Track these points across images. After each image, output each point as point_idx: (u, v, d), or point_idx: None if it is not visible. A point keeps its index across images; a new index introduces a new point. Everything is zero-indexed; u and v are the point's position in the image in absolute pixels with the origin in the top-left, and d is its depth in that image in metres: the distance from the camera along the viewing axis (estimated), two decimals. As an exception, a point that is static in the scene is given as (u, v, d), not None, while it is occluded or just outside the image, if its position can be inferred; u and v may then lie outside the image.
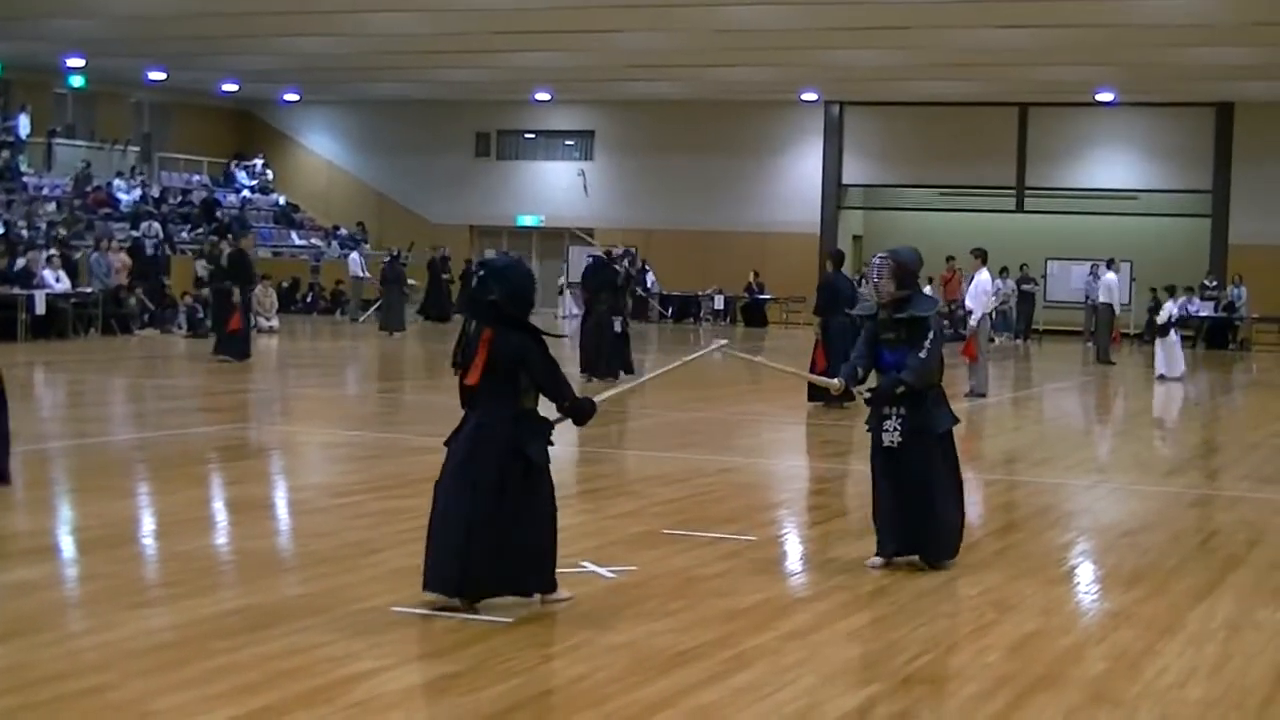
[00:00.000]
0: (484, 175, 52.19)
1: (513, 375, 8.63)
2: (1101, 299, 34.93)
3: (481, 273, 8.81)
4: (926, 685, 7.50)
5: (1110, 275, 35.13)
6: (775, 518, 12.85)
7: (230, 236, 35.98)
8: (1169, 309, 29.46)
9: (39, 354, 28.06)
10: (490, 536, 8.46)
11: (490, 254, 43.30)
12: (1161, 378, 28.56)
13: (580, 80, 45.71)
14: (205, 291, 36.43)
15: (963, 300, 25.00)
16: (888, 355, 10.17)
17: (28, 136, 43.69)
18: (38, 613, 8.49)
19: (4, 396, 12.42)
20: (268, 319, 35.67)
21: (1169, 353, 28.92)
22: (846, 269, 24.23)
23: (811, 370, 20.27)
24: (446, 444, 8.85)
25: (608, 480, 14.58)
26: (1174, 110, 44.95)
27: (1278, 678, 7.81)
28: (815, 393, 21.33)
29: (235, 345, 26.45)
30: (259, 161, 52.51)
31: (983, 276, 24.23)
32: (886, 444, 10.07)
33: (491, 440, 8.60)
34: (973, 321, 23.95)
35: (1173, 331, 29.12)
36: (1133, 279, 41.87)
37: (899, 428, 10.01)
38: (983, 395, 23.34)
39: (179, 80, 47.47)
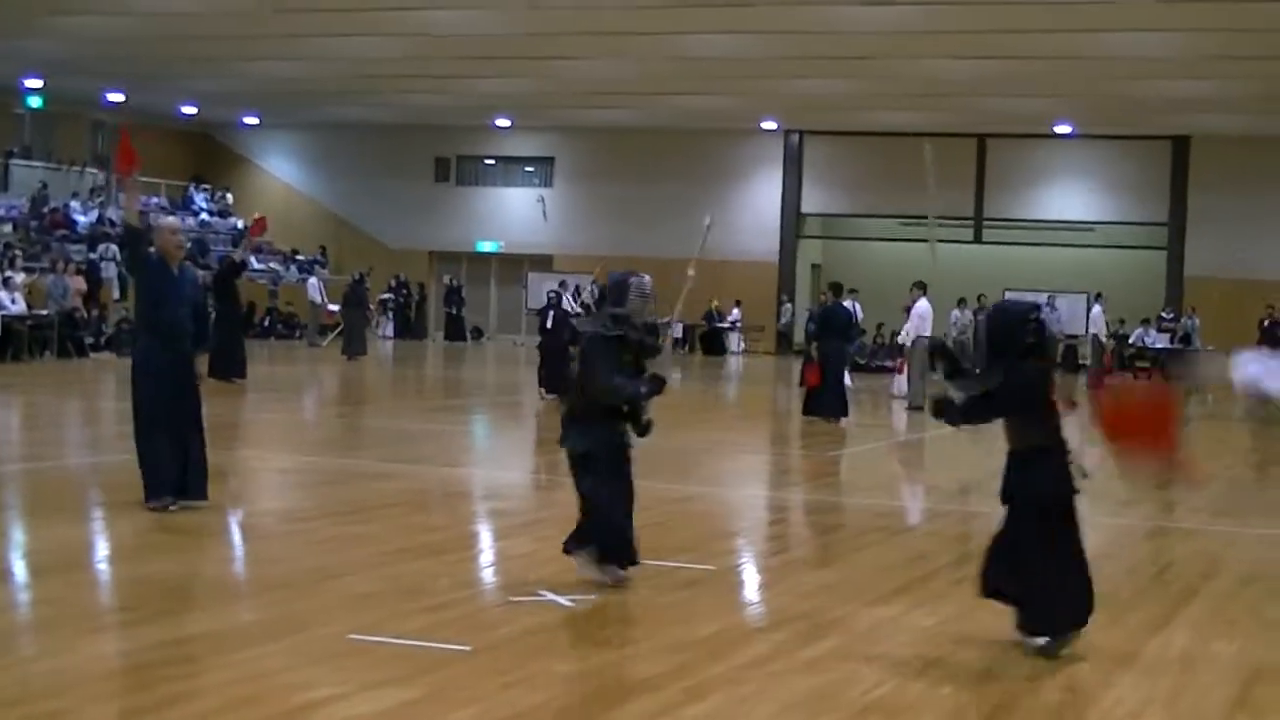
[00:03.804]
0: (444, 201, 52.19)
1: (585, 372, 10.16)
2: (1093, 330, 36.65)
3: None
4: (883, 716, 7.50)
5: (1096, 309, 37.71)
6: (734, 547, 12.85)
7: (190, 261, 35.92)
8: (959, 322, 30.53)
9: (3, 375, 27.90)
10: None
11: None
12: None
13: (541, 107, 45.81)
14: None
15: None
16: None
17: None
18: (-9, 637, 8.43)
19: (200, 421, 12.86)
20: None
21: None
22: (805, 299, 26.67)
23: (803, 387, 24.33)
24: None
25: (565, 508, 14.51)
26: (1131, 143, 45.28)
27: (1232, 710, 7.84)
28: (809, 407, 23.89)
29: (239, 367, 27.36)
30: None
31: (921, 305, 27.07)
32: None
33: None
34: (906, 340, 27.33)
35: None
36: (1089, 310, 42.07)
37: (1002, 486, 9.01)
38: (919, 409, 25.69)
39: (138, 102, 47.35)
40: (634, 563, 10.31)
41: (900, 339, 27.86)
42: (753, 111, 44.55)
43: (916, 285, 27.70)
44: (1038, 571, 8.79)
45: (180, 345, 12.76)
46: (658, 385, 10.18)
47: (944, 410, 9.08)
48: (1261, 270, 43.36)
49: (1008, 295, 43.63)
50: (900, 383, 30.02)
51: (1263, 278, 43.00)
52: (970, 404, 8.97)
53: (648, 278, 10.52)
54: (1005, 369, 8.80)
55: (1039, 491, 8.81)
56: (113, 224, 44.96)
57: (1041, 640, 8.81)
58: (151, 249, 13.12)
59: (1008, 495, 8.93)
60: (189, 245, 45.19)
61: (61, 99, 46.14)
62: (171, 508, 12.49)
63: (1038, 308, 9.16)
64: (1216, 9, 28.66)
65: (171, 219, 13.89)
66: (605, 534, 10.18)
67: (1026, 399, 8.82)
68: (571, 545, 10.32)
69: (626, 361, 10.18)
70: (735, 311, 47.70)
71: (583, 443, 10.15)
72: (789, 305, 47.70)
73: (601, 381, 10.06)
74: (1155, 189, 45.29)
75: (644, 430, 10.27)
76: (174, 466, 12.64)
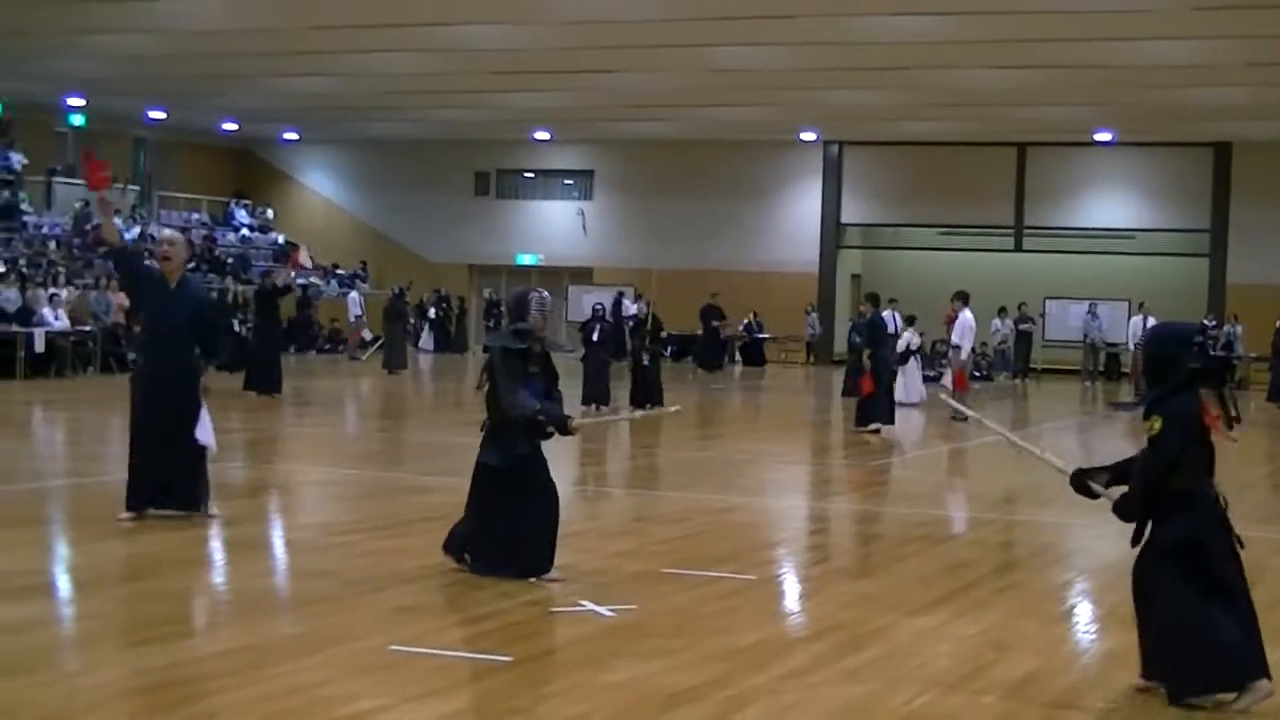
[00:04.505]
0: (483, 214, 52.25)
1: (493, 387, 10.55)
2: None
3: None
4: (925, 725, 7.48)
5: (1151, 320, 37.22)
6: (774, 557, 12.83)
7: (231, 276, 36.42)
8: (908, 338, 30.36)
9: (37, 392, 28.07)
10: (470, 524, 10.75)
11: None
12: (899, 404, 29.12)
13: (579, 120, 45.83)
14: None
15: (949, 338, 27.37)
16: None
17: (22, 168, 43.61)
18: (33, 652, 8.47)
19: (190, 434, 12.74)
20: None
21: (909, 380, 29.82)
22: (846, 309, 26.84)
23: (860, 395, 24.15)
24: None
25: (608, 519, 14.56)
26: (1172, 150, 45.06)
27: (1278, 718, 7.78)
28: (864, 417, 23.79)
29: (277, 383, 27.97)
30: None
31: (966, 315, 27.04)
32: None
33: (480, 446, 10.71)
34: (962, 356, 27.13)
35: (912, 359, 30.28)
36: (1144, 320, 41.86)
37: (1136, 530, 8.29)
38: (965, 419, 24.83)
39: (179, 119, 47.60)
40: (546, 571, 10.54)
41: (961, 357, 27.83)
42: (791, 123, 44.49)
43: (957, 296, 27.55)
44: (1166, 622, 8.01)
45: (172, 358, 12.75)
46: (557, 421, 10.56)
47: (1127, 504, 8.20)
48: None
49: (1048, 304, 43.83)
50: (900, 389, 29.87)
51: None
52: (1143, 470, 8.07)
53: (547, 294, 11.01)
54: (1160, 403, 8.00)
55: (1178, 539, 8.02)
56: (153, 239, 45.24)
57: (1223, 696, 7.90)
58: (151, 263, 13.14)
59: (1139, 539, 8.21)
60: (232, 260, 45.56)
61: (103, 117, 46.37)
62: (147, 513, 12.60)
63: (1202, 329, 8.36)
64: (1252, 16, 28.45)
65: (167, 232, 13.80)
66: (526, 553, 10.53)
67: (1186, 434, 7.97)
68: (451, 548, 10.91)
69: (533, 372, 10.66)
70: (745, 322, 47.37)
71: (495, 457, 10.55)
72: (814, 315, 47.59)
73: (504, 396, 10.45)
74: (1197, 196, 45.03)
75: (544, 436, 10.69)
76: (155, 479, 12.71)
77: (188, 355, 12.79)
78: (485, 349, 10.82)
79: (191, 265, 44.52)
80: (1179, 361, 8.10)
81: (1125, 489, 8.26)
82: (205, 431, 12.88)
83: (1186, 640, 7.90)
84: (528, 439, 10.54)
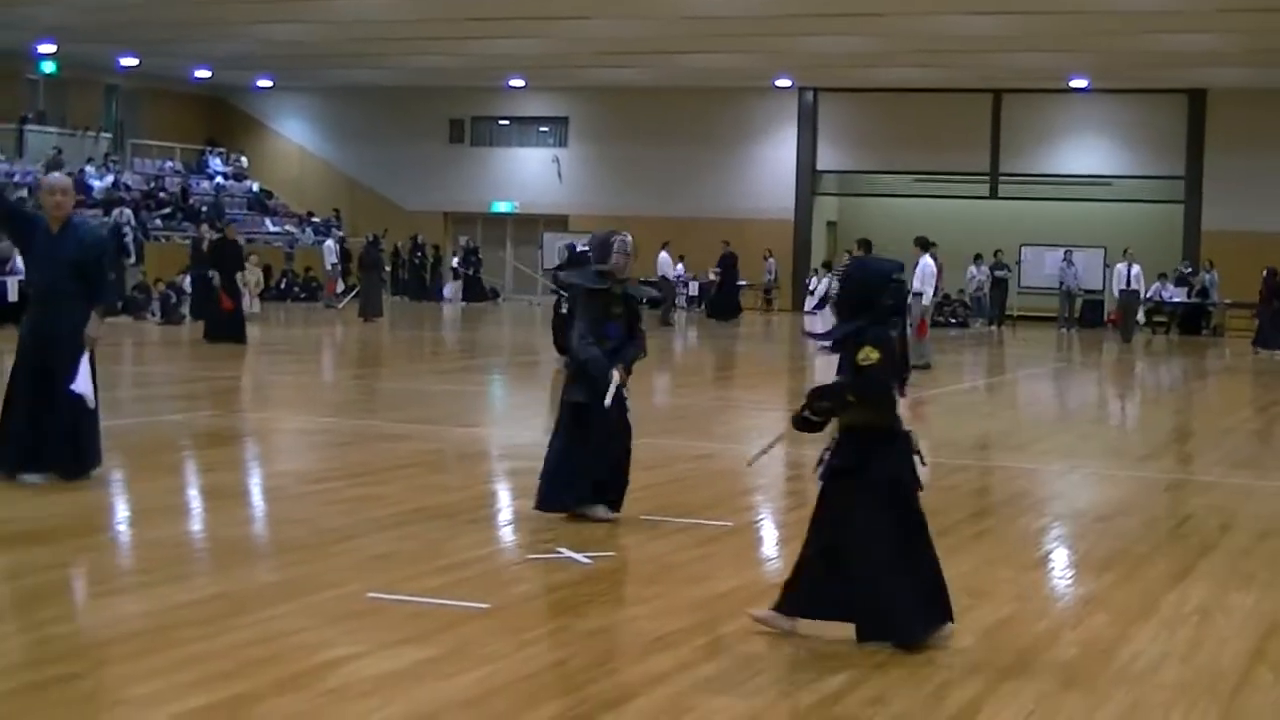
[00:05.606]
0: (458, 162, 52.13)
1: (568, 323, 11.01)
2: (1131, 286, 38.35)
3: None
4: (900, 670, 7.48)
5: (1136, 267, 38.60)
6: (752, 504, 12.83)
7: (207, 224, 36.22)
8: (827, 284, 30.51)
9: (8, 341, 27.90)
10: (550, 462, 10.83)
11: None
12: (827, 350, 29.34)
13: (554, 67, 45.69)
14: (179, 278, 36.38)
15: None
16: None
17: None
18: (7, 600, 8.45)
19: (67, 389, 11.75)
20: (249, 304, 35.58)
21: (826, 325, 29.82)
22: (820, 257, 25.92)
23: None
24: None
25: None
26: (1147, 97, 45.07)
27: (1250, 662, 7.82)
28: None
29: (234, 329, 27.66)
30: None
31: (926, 261, 26.64)
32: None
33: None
34: (925, 302, 26.50)
35: (829, 306, 30.37)
36: (1106, 265, 41.95)
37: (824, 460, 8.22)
38: (927, 367, 25.63)
39: (151, 67, 47.32)
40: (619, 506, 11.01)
41: (924, 303, 27.41)
42: (767, 69, 44.40)
43: (917, 242, 26.92)
44: (876, 568, 7.80)
45: (53, 308, 11.84)
46: (600, 382, 10.59)
47: (819, 403, 8.06)
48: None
49: (1024, 250, 43.82)
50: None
51: (1281, 230, 42.77)
52: (860, 388, 7.87)
53: (629, 236, 10.96)
54: (871, 335, 7.86)
55: (889, 478, 7.90)
56: (128, 188, 45.02)
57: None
58: (37, 210, 12.28)
59: (832, 475, 8.07)
60: (206, 208, 45.33)
61: (75, 64, 46.09)
62: (27, 479, 11.80)
63: (900, 268, 8.46)
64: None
65: (52, 177, 12.95)
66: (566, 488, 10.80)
67: (891, 369, 7.94)
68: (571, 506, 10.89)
69: (615, 314, 10.80)
70: (679, 266, 46.33)
71: (583, 394, 10.71)
72: (772, 261, 47.50)
73: (574, 335, 10.73)
74: (1172, 143, 45.08)
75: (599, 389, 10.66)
76: (27, 436, 11.86)
77: (73, 307, 11.78)
78: (556, 283, 11.06)
79: (167, 212, 44.60)
80: (882, 297, 8.03)
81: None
82: (82, 383, 11.77)
83: (888, 586, 7.79)
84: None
